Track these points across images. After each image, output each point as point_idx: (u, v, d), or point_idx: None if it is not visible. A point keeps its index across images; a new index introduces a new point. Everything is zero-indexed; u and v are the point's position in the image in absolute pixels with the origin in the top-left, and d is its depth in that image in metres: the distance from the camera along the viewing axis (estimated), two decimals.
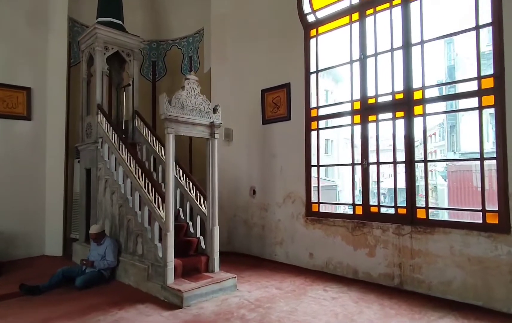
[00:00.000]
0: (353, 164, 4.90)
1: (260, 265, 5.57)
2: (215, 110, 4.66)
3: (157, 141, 5.81)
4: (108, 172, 5.31)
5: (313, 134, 5.42)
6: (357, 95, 4.88)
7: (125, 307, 3.77)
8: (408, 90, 4.38)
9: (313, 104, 5.45)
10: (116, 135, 5.28)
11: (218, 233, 4.70)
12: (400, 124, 4.43)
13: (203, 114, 4.50)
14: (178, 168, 5.30)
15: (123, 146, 5.10)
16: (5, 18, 6.18)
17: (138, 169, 4.80)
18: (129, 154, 4.98)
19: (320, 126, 5.37)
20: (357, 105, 4.87)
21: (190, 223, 5.05)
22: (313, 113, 5.42)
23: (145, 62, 7.98)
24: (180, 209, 5.26)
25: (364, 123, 4.78)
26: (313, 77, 5.47)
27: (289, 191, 5.68)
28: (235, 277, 4.40)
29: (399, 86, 4.45)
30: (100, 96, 5.80)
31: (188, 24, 7.66)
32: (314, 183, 5.39)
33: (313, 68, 5.46)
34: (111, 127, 5.37)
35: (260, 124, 6.21)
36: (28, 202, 6.30)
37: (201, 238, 4.83)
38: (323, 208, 5.36)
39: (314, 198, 5.36)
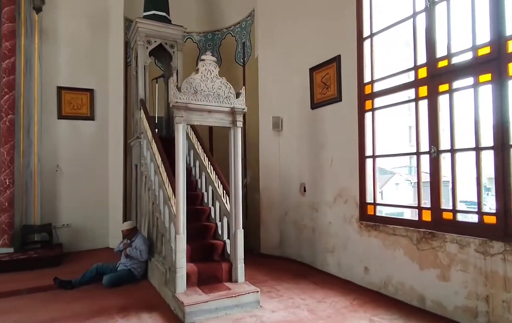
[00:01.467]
0: (418, 153, 3.61)
1: (307, 275, 4.69)
2: (238, 95, 3.99)
3: (194, 135, 5.43)
4: (146, 168, 5.17)
5: (368, 116, 4.26)
6: (422, 58, 3.58)
7: (130, 314, 3.44)
8: (498, 39, 2.94)
9: (367, 78, 4.28)
10: (150, 130, 5.09)
11: (243, 237, 4.02)
12: (486, 92, 3.02)
13: (222, 100, 3.87)
14: (208, 162, 4.83)
15: (153, 141, 4.86)
16: (69, 25, 6.65)
17: (163, 165, 4.48)
18: (157, 150, 4.70)
19: (376, 105, 4.17)
20: (422, 72, 3.57)
21: (220, 224, 4.50)
22: (367, 90, 4.26)
23: (200, 55, 7.77)
24: (212, 208, 4.77)
25: (432, 95, 3.46)
26: (366, 44, 4.29)
27: (341, 188, 4.63)
28: (258, 291, 3.67)
29: (484, 36, 3.03)
30: (143, 91, 5.74)
31: (240, 7, 7.12)
32: (370, 179, 4.24)
33: (366, 32, 4.29)
34: (147, 122, 5.20)
35: (308, 110, 5.28)
36: (93, 197, 6.70)
37: (227, 241, 4.22)
38: (381, 212, 4.18)
39: (369, 198, 4.22)
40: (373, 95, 4.17)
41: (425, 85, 3.52)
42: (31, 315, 3.47)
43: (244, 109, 3.99)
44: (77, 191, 6.58)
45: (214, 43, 7.67)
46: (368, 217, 4.19)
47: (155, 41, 5.90)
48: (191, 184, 5.34)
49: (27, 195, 6.08)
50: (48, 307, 3.65)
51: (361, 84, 4.32)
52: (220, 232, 4.42)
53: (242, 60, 7.13)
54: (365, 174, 4.24)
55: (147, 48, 5.82)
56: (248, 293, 3.59)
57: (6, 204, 5.70)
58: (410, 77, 3.71)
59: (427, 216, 3.49)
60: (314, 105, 5.14)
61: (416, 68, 3.64)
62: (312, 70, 5.16)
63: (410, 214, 4.47)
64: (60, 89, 6.53)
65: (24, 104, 6.09)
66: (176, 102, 3.61)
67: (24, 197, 6.03)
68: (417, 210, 3.61)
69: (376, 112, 4.18)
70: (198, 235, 4.32)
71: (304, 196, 5.37)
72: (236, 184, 3.99)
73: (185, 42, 7.59)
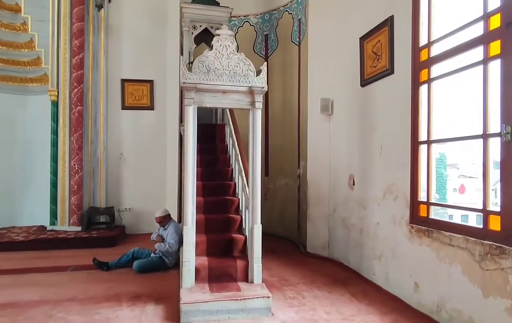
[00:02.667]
0: (485, 136, 2.58)
1: (348, 284, 3.97)
2: (258, 72, 3.51)
3: (231, 121, 5.12)
4: None
5: (423, 90, 3.30)
6: (495, 2, 2.54)
7: (139, 303, 3.35)
8: None
9: (423, 41, 3.31)
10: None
11: (260, 234, 3.55)
12: None
13: (239, 78, 3.45)
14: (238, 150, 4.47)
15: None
16: (132, 20, 7.00)
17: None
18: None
19: (432, 75, 3.19)
20: (495, 22, 2.53)
21: (244, 217, 4.11)
22: (423, 56, 3.29)
23: (258, 38, 7.42)
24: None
25: (508, 53, 2.41)
26: None
27: (390, 182, 3.74)
28: (269, 297, 3.18)
29: None
30: None
31: (261, 2, 6.60)
32: (423, 170, 3.29)
33: None
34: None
35: (358, 87, 4.45)
36: (152, 182, 7.00)
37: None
38: (443, 215, 3.21)
39: (422, 196, 3.28)
40: (430, 62, 3.20)
41: (498, 40, 2.49)
42: (57, 291, 3.66)
43: (263, 87, 3.49)
44: (138, 177, 6.96)
45: (271, 24, 7.21)
46: (420, 219, 3.27)
47: (200, 26, 5.78)
48: (227, 173, 5.08)
49: (94, 180, 6.67)
50: (74, 286, 3.82)
51: (416, 49, 3.37)
52: (244, 225, 4.04)
53: (298, 39, 6.54)
54: (418, 165, 3.31)
55: (192, 33, 5.73)
56: (257, 297, 3.13)
57: (76, 187, 6.33)
58: (478, 30, 2.68)
59: (495, 224, 2.48)
60: (364, 81, 4.29)
61: (486, 17, 2.60)
62: (362, 39, 4.31)
63: (472, 220, 3.34)
64: (123, 81, 6.95)
65: (92, 96, 6.65)
66: (184, 82, 3.33)
67: (91, 181, 6.62)
68: (481, 214, 2.61)
69: (434, 83, 3.20)
70: (220, 228, 4.02)
71: (353, 190, 4.57)
72: (255, 174, 3.54)
73: (242, 26, 7.40)
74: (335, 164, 5.05)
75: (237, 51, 3.53)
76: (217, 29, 5.63)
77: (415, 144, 3.35)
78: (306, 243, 5.41)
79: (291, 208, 6.53)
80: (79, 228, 6.21)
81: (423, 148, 3.27)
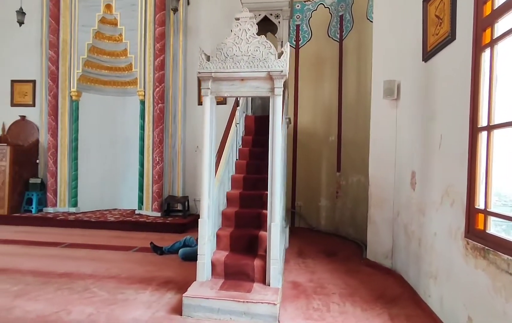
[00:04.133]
0: None
1: (394, 303, 3.28)
2: (280, 55, 3.19)
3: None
4: None
5: (485, 57, 2.40)
6: None
7: (162, 290, 3.48)
8: None
9: None
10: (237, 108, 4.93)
11: (279, 233, 3.23)
12: None
13: (257, 63, 3.20)
14: None
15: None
16: (209, 20, 7.34)
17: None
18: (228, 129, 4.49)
19: (497, 33, 2.29)
20: None
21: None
22: (487, 9, 2.39)
23: (332, 20, 6.85)
24: None
25: None
26: None
27: (448, 182, 2.89)
28: (275, 304, 2.85)
29: None
30: None
31: None
32: (482, 167, 2.41)
33: None
34: (239, 99, 5.07)
35: (420, 63, 3.58)
36: None
37: None
38: (498, 226, 2.29)
39: (480, 201, 2.41)
40: (494, 16, 2.30)
41: None
42: (108, 268, 4.12)
43: (282, 71, 3.14)
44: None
45: (347, 2, 6.51)
46: (476, 233, 2.41)
47: (259, 15, 5.62)
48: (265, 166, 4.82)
49: (173, 170, 7.30)
50: (123, 265, 4.23)
51: (479, 2, 2.48)
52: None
53: (372, 15, 5.73)
54: (476, 159, 2.45)
55: None
56: (262, 302, 2.85)
57: (157, 176, 7.05)
58: None
59: None
60: (427, 55, 3.42)
61: None
62: (425, 1, 3.45)
63: None
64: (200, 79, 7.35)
65: (172, 94, 7.27)
66: (199, 72, 3.26)
67: (171, 172, 7.27)
68: None
69: (499, 45, 2.29)
70: (250, 223, 3.84)
71: (414, 191, 3.73)
72: (274, 167, 3.22)
73: (316, 9, 6.95)
74: (400, 158, 4.23)
75: (257, 35, 3.26)
76: (277, 17, 5.52)
77: (474, 131, 2.48)
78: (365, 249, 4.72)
79: (362, 207, 5.79)
80: (159, 214, 6.91)
81: (483, 137, 2.40)
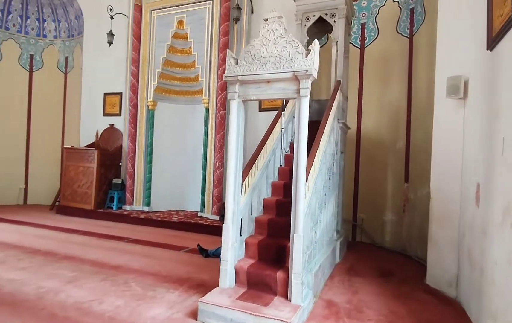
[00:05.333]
0: None
1: None
2: (307, 54, 2.99)
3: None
4: None
5: None
6: None
7: (190, 291, 3.53)
8: None
9: None
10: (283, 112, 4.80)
11: (302, 245, 2.97)
12: None
13: (283, 64, 3.05)
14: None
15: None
16: None
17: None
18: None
19: None
20: None
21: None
22: None
23: (402, 14, 6.19)
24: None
25: None
26: None
27: (510, 198, 2.29)
28: None
29: None
30: None
31: None
32: None
33: None
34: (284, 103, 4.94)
35: (484, 53, 2.95)
36: None
37: None
38: None
39: None
40: None
41: None
42: (154, 265, 4.38)
43: (307, 71, 2.92)
44: None
45: (370, 11, 5.95)
46: None
47: (313, 15, 5.40)
48: None
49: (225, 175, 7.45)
50: (168, 264, 4.44)
51: None
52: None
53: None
54: None
55: (305, 25, 5.44)
56: (274, 319, 2.65)
57: (217, 181, 7.30)
58: None
59: None
60: (492, 42, 2.80)
61: None
62: None
63: None
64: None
65: None
66: (226, 76, 3.25)
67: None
68: None
69: None
70: (281, 232, 3.64)
71: (479, 207, 3.07)
72: (298, 173, 3.01)
73: (384, 5, 6.43)
74: (467, 168, 3.55)
75: (286, 34, 3.11)
76: (332, 16, 5.23)
77: None
78: (423, 272, 4.06)
79: None
80: (217, 217, 7.12)
81: None
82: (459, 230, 3.67)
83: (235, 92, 3.24)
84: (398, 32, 6.20)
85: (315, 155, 3.66)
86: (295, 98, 3.06)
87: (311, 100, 6.11)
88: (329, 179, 4.56)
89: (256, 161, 3.90)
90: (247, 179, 3.59)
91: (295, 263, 2.96)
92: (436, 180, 4.01)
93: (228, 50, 3.38)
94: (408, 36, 6.02)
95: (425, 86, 5.58)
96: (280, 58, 3.06)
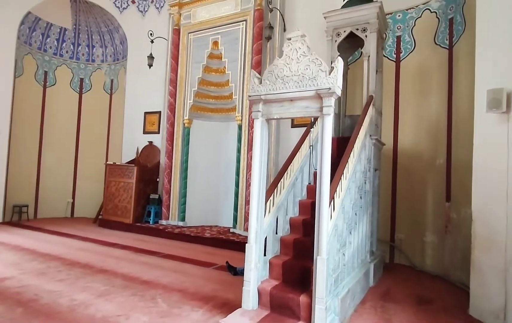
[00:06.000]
0: None
1: None
2: (330, 71, 2.94)
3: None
4: None
5: None
6: None
7: (214, 311, 3.51)
8: None
9: None
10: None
11: (326, 268, 2.86)
12: None
13: (306, 82, 3.03)
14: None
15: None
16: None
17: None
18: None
19: None
20: None
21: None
22: None
23: (440, 25, 5.90)
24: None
25: None
26: None
27: None
28: None
29: None
30: None
31: None
32: None
33: None
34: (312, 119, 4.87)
35: None
36: None
37: None
38: None
39: None
40: None
41: None
42: (183, 281, 4.43)
43: (330, 89, 2.86)
44: None
45: (457, 2, 5.54)
46: None
47: (344, 31, 5.32)
48: None
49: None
50: (196, 281, 4.47)
51: None
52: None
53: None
54: None
55: (336, 41, 5.37)
56: None
57: (249, 197, 7.29)
58: None
59: None
60: None
61: None
62: None
63: None
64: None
65: None
66: (249, 95, 3.28)
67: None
68: None
69: None
70: (307, 253, 3.53)
71: None
72: (322, 192, 2.92)
73: (420, 16, 6.21)
74: None
75: (310, 52, 3.08)
76: (364, 31, 5.13)
77: None
78: (466, 300, 3.71)
79: None
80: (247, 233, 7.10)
81: None
82: (506, 256, 3.33)
83: (258, 111, 3.25)
84: (436, 44, 5.90)
85: (342, 173, 3.54)
86: (318, 116, 3.00)
87: (344, 115, 6.02)
88: (360, 197, 4.38)
89: (282, 179, 3.85)
90: (271, 197, 3.56)
91: (319, 288, 2.84)
92: (479, 201, 3.70)
93: (252, 70, 3.42)
94: (448, 47, 5.71)
95: (467, 99, 5.22)
96: (303, 76, 3.03)
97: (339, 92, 2.92)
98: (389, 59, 6.34)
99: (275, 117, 3.27)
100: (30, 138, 9.76)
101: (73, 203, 10.35)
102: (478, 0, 3.84)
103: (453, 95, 5.55)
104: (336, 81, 2.87)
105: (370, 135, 4.85)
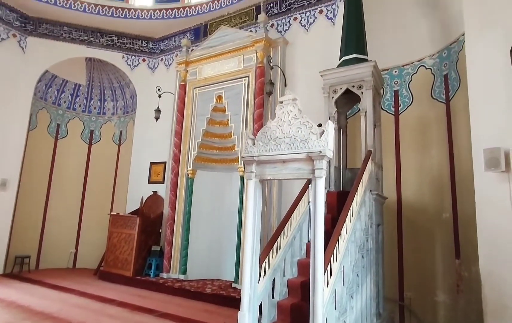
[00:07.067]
0: None
1: None
2: (322, 134, 2.97)
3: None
4: None
5: None
6: None
7: None
8: None
9: None
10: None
11: None
12: None
13: (298, 144, 3.05)
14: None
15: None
16: (302, 97, 7.52)
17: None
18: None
19: None
20: None
21: None
22: None
23: (436, 81, 6.02)
24: None
25: None
26: None
27: None
28: None
29: None
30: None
31: (436, 37, 5.44)
32: None
33: None
34: None
35: None
36: None
37: None
38: None
39: None
40: None
41: None
42: None
43: (321, 152, 2.86)
44: None
45: (451, 60, 5.69)
46: None
47: (340, 88, 5.44)
48: None
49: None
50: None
51: None
52: None
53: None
54: None
55: (332, 97, 5.49)
56: None
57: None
58: None
59: None
60: None
61: None
62: None
63: None
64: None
65: None
66: (243, 157, 3.30)
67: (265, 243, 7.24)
68: None
69: None
70: (304, 319, 3.35)
71: None
72: (316, 260, 2.82)
73: (416, 72, 6.35)
74: None
75: (301, 115, 3.13)
76: (359, 88, 5.24)
77: None
78: None
79: None
80: None
81: None
82: None
83: (252, 172, 3.26)
84: (433, 98, 5.98)
85: (340, 234, 3.45)
86: (310, 178, 2.98)
87: (344, 168, 5.98)
88: (362, 257, 4.23)
89: (279, 238, 3.76)
90: (266, 260, 3.46)
91: None
92: (486, 262, 3.54)
93: (245, 130, 3.47)
94: (444, 102, 5.78)
95: (468, 153, 5.14)
96: (294, 138, 3.06)
97: (330, 154, 2.92)
98: (388, 112, 6.42)
99: (268, 178, 3.26)
100: (38, 189, 9.92)
101: (76, 253, 10.26)
102: (468, 60, 3.92)
103: (454, 148, 5.51)
104: (327, 144, 2.88)
105: (371, 190, 4.78)
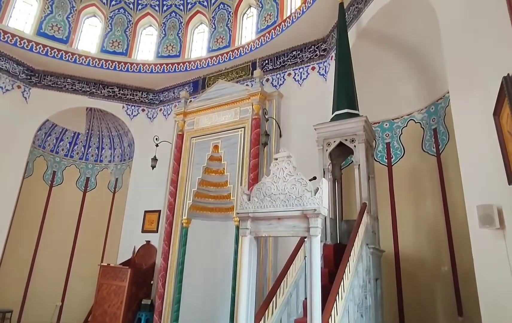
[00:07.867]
0: None
1: None
2: (316, 192, 3.00)
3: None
4: None
5: None
6: None
7: None
8: None
9: None
10: None
11: None
12: None
13: (292, 202, 3.07)
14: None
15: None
16: (298, 149, 7.65)
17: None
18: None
19: None
20: None
21: None
22: None
23: (426, 134, 6.20)
24: None
25: None
26: None
27: None
28: None
29: None
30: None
31: (423, 93, 5.87)
32: None
33: None
34: None
35: (506, 188, 2.74)
36: None
37: None
38: None
39: None
40: None
41: None
42: None
43: (315, 210, 2.88)
44: None
45: (438, 115, 5.91)
46: None
47: (334, 141, 5.58)
48: None
49: (263, 297, 7.01)
50: None
51: None
52: None
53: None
54: None
55: (326, 150, 5.60)
56: None
57: None
58: None
59: None
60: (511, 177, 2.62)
61: None
62: (495, 114, 2.80)
63: None
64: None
65: None
66: (238, 213, 3.30)
67: (262, 299, 6.99)
68: None
69: None
70: None
71: None
72: (313, 315, 2.73)
73: (406, 125, 6.55)
74: None
75: (295, 172, 3.18)
76: (352, 141, 5.37)
77: None
78: None
79: None
80: None
81: None
82: None
83: (246, 228, 3.24)
84: (424, 151, 6.13)
85: (337, 294, 3.37)
86: (305, 237, 2.97)
87: (340, 220, 5.96)
88: (362, 316, 4.10)
89: (274, 297, 3.66)
90: (262, 321, 3.33)
91: None
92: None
93: (240, 186, 3.50)
94: (435, 155, 5.91)
95: (462, 206, 5.20)
96: (289, 195, 3.08)
97: (325, 212, 2.93)
98: (381, 163, 6.53)
99: (263, 235, 3.24)
100: (28, 239, 9.69)
101: (61, 307, 9.80)
102: (454, 118, 4.07)
103: (448, 201, 5.56)
104: (321, 202, 2.90)
105: (367, 244, 4.74)
